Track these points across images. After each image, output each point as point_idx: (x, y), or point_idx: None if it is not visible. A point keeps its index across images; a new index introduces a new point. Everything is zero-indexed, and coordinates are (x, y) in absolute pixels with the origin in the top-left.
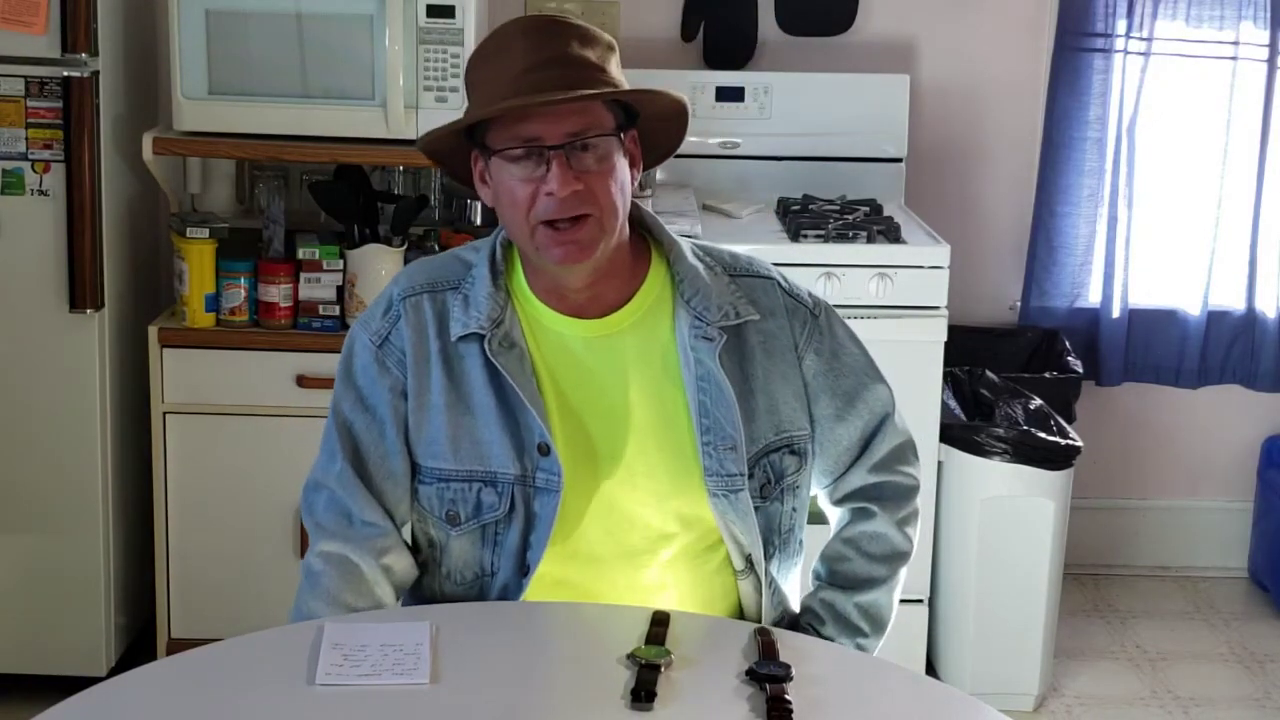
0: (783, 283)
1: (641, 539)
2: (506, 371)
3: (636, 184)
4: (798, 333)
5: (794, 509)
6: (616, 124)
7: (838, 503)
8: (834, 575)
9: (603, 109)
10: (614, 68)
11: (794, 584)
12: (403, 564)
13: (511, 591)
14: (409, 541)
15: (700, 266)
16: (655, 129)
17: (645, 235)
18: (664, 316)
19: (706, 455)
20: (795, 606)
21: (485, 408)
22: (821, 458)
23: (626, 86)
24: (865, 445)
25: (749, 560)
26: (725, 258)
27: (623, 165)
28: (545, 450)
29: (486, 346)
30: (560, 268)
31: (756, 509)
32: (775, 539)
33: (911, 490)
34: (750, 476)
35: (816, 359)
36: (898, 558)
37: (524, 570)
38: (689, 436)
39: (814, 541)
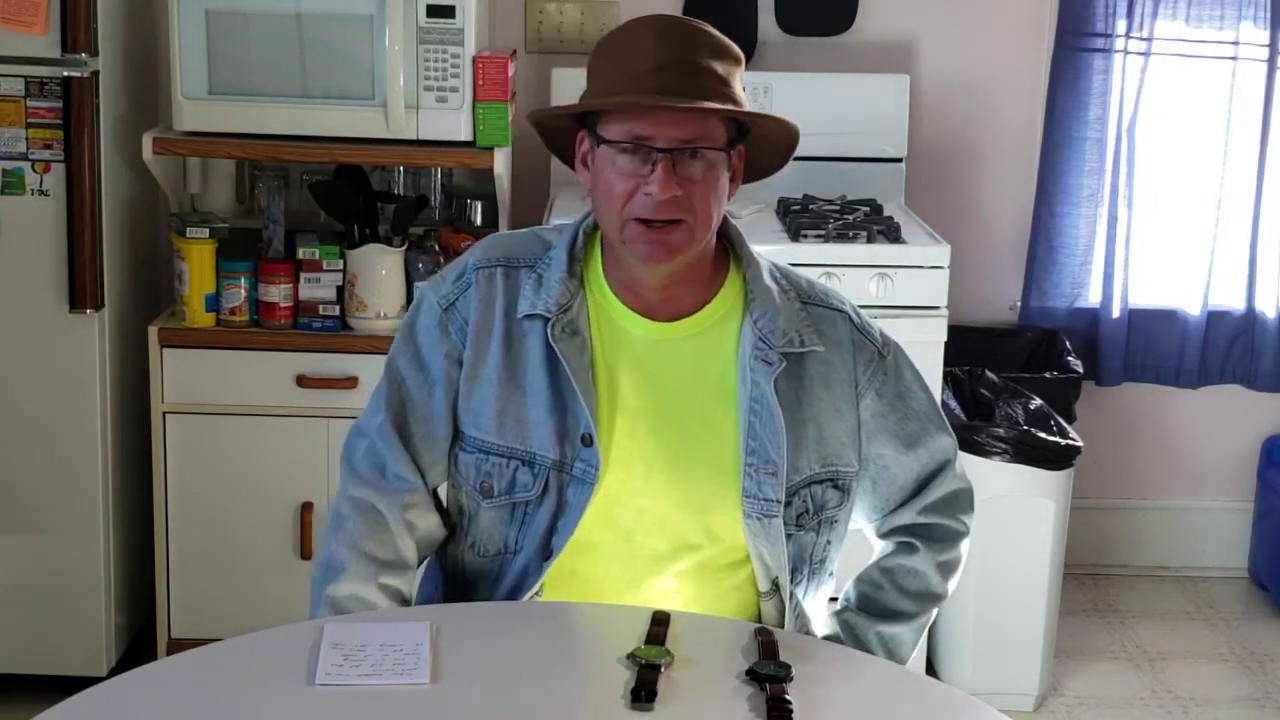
0: (854, 318)
1: (666, 545)
2: (564, 358)
3: (732, 199)
4: (860, 370)
5: (829, 541)
6: (728, 138)
7: (883, 536)
8: (863, 599)
9: (717, 122)
10: (737, 82)
11: (820, 606)
12: (427, 522)
13: (531, 573)
14: (443, 504)
15: (775, 289)
16: (762, 148)
17: (728, 247)
18: (730, 332)
19: (747, 476)
20: (816, 629)
21: (537, 389)
22: (874, 495)
23: (746, 103)
24: (920, 487)
25: (775, 584)
26: (802, 284)
27: (724, 179)
28: (588, 441)
29: (550, 330)
30: (643, 265)
31: (789, 536)
32: (804, 568)
33: (959, 536)
34: (788, 505)
35: (878, 400)
36: (930, 598)
37: (546, 554)
38: (733, 455)
39: (843, 569)
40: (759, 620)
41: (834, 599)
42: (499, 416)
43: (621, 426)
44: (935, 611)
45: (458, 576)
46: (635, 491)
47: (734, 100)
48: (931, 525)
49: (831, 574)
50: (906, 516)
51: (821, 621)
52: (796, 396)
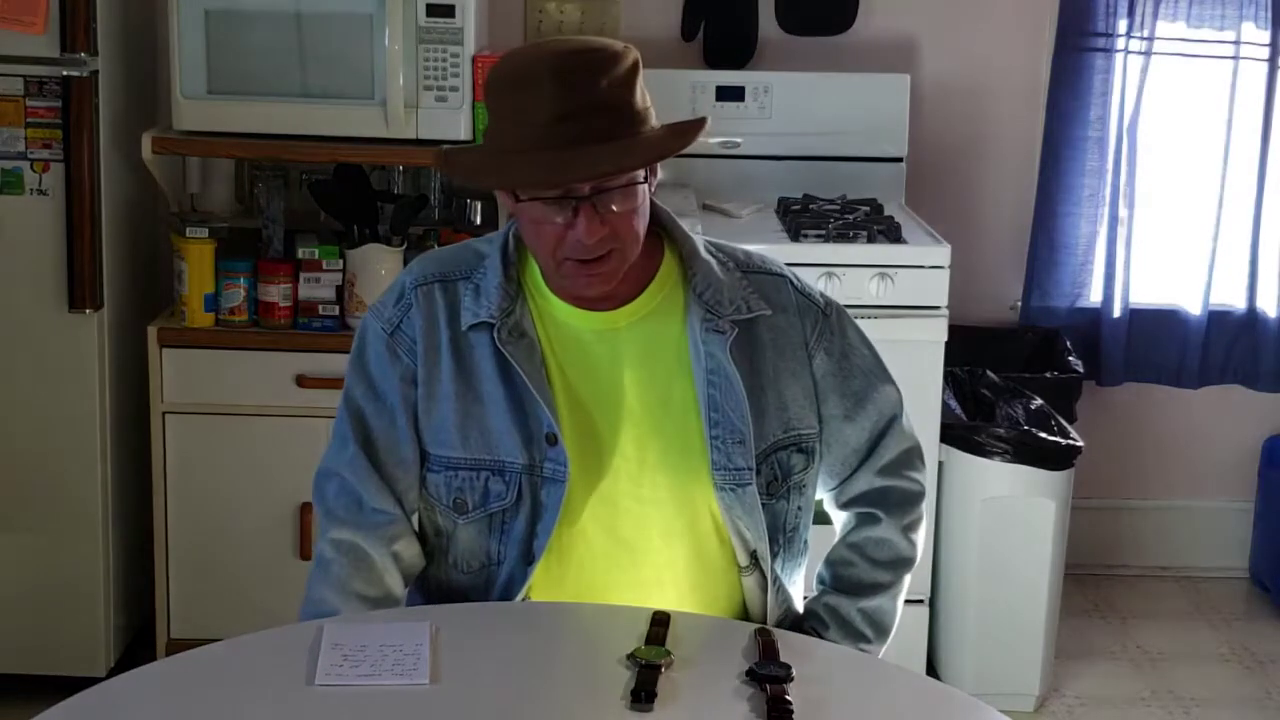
0: (794, 281)
1: (646, 533)
2: (515, 361)
3: (654, 187)
4: (808, 331)
5: (799, 508)
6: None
7: (843, 506)
8: (838, 580)
9: None
10: (639, 93)
11: (798, 585)
12: (411, 551)
13: (516, 581)
14: (416, 530)
15: (713, 262)
16: None
17: (659, 230)
18: (676, 310)
19: (715, 449)
20: (800, 608)
21: (494, 397)
22: (829, 459)
23: (651, 111)
24: (873, 447)
25: (754, 556)
26: (738, 254)
27: (645, 193)
28: (553, 440)
29: (496, 336)
30: (584, 291)
31: (763, 506)
32: (780, 537)
33: (917, 496)
34: (757, 473)
35: (827, 358)
36: (903, 564)
37: (529, 559)
38: (697, 429)
39: (818, 543)
40: (742, 598)
41: (807, 598)
42: (461, 430)
43: (582, 421)
44: (909, 576)
45: (442, 596)
46: (607, 484)
47: (640, 120)
48: (889, 489)
49: (806, 543)
50: (864, 482)
51: (802, 601)
52: (751, 364)
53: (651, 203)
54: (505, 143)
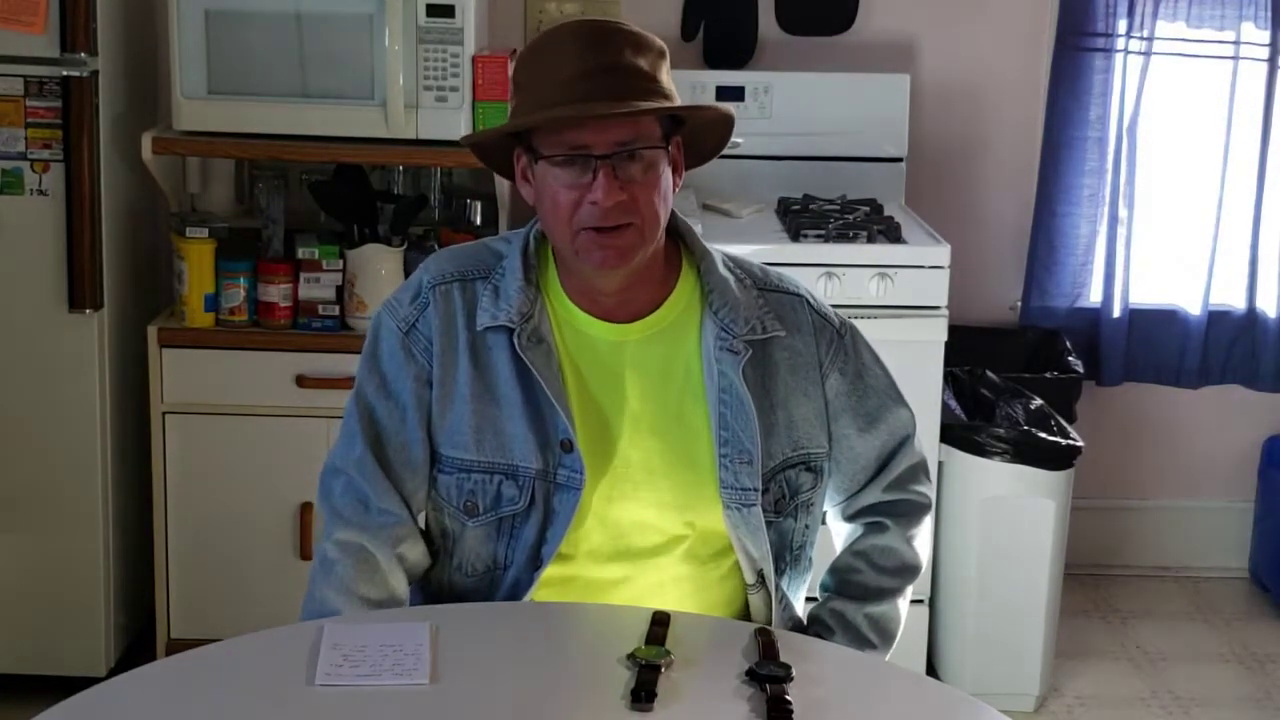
0: (811, 301)
1: (651, 542)
2: (534, 367)
3: (677, 190)
4: (823, 352)
5: (806, 526)
6: (663, 133)
7: (849, 518)
8: (844, 586)
9: (651, 120)
10: (664, 75)
11: (802, 599)
12: (416, 552)
13: (522, 586)
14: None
15: (730, 279)
16: (699, 134)
17: (678, 243)
18: (691, 326)
19: (723, 468)
20: (803, 618)
21: (511, 401)
22: (838, 475)
23: (675, 94)
24: (883, 465)
25: (760, 575)
26: (756, 272)
27: (667, 174)
28: (569, 447)
29: (516, 341)
30: (597, 271)
31: (769, 524)
32: (787, 555)
33: (923, 508)
34: (765, 492)
35: (840, 379)
36: (908, 571)
37: (536, 564)
38: (707, 447)
39: (822, 553)
40: (747, 612)
41: (811, 599)
42: (476, 433)
43: (595, 429)
44: (913, 585)
45: (444, 599)
46: (616, 495)
47: (662, 94)
48: (897, 502)
49: (811, 560)
50: (872, 496)
51: (804, 612)
52: (763, 384)
53: (675, 215)
54: (531, 104)
